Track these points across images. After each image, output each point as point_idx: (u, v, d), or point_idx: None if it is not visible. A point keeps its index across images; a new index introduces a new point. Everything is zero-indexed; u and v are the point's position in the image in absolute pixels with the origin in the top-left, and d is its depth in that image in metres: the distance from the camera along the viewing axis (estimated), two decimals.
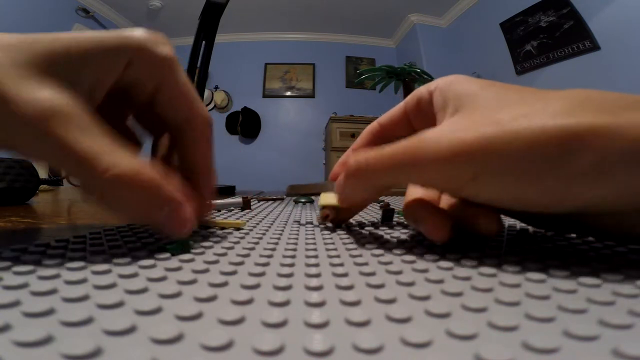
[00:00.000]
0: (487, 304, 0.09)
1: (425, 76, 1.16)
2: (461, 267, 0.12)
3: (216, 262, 0.13)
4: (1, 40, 0.14)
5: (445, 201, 0.20)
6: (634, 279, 0.11)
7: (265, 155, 3.26)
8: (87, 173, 0.13)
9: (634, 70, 1.59)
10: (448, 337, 0.07)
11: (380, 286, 0.10)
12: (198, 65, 0.69)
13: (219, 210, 0.31)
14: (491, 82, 0.16)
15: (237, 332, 0.07)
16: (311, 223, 0.24)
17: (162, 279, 0.11)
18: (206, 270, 0.12)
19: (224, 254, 0.14)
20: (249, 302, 0.09)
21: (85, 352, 0.06)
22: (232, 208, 0.33)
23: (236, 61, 3.31)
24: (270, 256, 0.14)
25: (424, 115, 0.19)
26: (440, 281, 0.11)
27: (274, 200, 0.47)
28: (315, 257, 0.14)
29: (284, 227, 0.22)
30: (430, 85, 0.18)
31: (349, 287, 0.10)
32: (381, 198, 0.46)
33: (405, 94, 1.11)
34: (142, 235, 0.18)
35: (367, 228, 0.22)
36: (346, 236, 0.19)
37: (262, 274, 0.12)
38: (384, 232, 0.20)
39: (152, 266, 0.12)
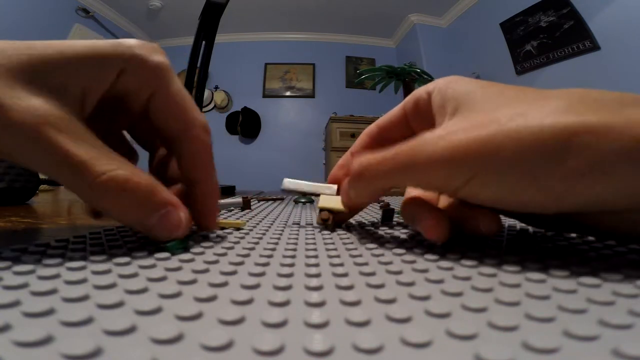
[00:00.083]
0: (487, 304, 0.09)
1: (425, 76, 1.16)
2: (461, 267, 0.12)
3: (216, 262, 0.13)
4: None
5: (444, 202, 0.20)
6: (634, 279, 0.11)
7: (265, 155, 3.26)
8: (81, 178, 0.13)
9: (634, 70, 1.59)
10: (448, 337, 0.07)
11: (380, 286, 0.10)
12: (198, 65, 0.69)
13: (219, 210, 0.31)
14: (489, 82, 0.16)
15: (237, 332, 0.07)
16: (311, 224, 0.24)
17: (162, 279, 0.11)
18: (206, 270, 0.12)
19: (224, 254, 0.14)
20: (249, 302, 0.09)
21: (85, 352, 0.06)
22: (232, 208, 0.33)
23: (236, 61, 3.31)
24: (270, 256, 0.14)
25: (423, 117, 0.19)
26: (440, 281, 0.11)
27: (274, 200, 0.47)
28: (315, 257, 0.14)
29: (284, 227, 0.22)
30: (429, 87, 0.18)
31: (349, 287, 0.10)
32: (381, 198, 0.46)
33: (405, 94, 1.11)
34: (142, 235, 0.18)
35: (367, 228, 0.22)
36: (346, 236, 0.19)
37: (262, 274, 0.12)
38: (384, 232, 0.20)
39: (152, 266, 0.12)
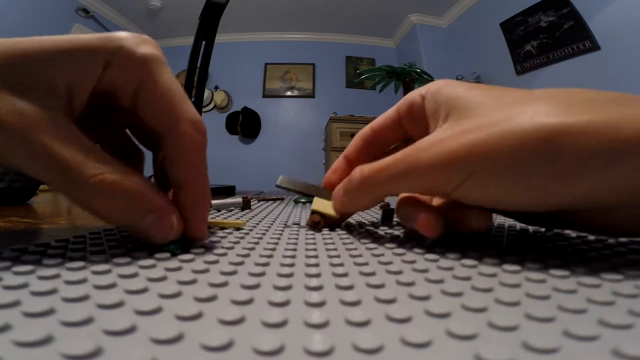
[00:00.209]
0: (487, 304, 0.09)
1: (425, 76, 1.16)
2: (461, 267, 0.12)
3: (216, 262, 0.13)
4: None
5: (436, 203, 0.20)
6: (634, 279, 0.11)
7: (265, 155, 3.26)
8: (72, 180, 0.13)
9: (634, 70, 1.59)
10: (448, 337, 0.07)
11: (380, 286, 0.10)
12: (198, 65, 0.69)
13: (219, 210, 0.31)
14: (476, 85, 0.16)
15: (237, 332, 0.07)
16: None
17: (162, 279, 0.11)
18: (206, 270, 0.12)
19: (224, 254, 0.14)
20: (249, 302, 0.09)
21: (85, 352, 0.06)
22: (232, 208, 0.33)
23: (236, 61, 3.31)
24: (270, 256, 0.14)
25: (417, 120, 0.19)
26: (440, 281, 0.11)
27: (274, 200, 0.47)
28: (315, 257, 0.14)
29: (284, 227, 0.22)
30: (422, 90, 0.19)
31: (349, 287, 0.10)
32: None
33: (405, 94, 1.10)
34: None
35: (367, 228, 0.22)
36: (346, 236, 0.19)
37: (262, 274, 0.12)
38: (384, 232, 0.20)
39: (152, 266, 0.12)
